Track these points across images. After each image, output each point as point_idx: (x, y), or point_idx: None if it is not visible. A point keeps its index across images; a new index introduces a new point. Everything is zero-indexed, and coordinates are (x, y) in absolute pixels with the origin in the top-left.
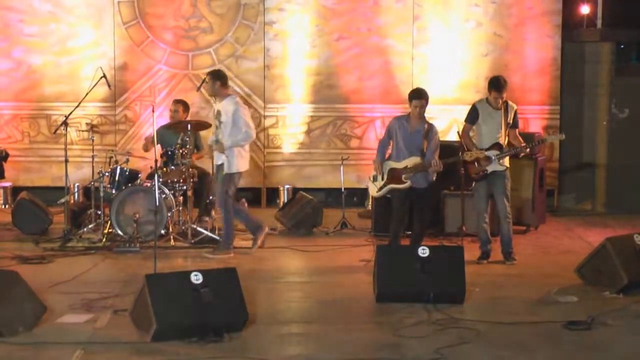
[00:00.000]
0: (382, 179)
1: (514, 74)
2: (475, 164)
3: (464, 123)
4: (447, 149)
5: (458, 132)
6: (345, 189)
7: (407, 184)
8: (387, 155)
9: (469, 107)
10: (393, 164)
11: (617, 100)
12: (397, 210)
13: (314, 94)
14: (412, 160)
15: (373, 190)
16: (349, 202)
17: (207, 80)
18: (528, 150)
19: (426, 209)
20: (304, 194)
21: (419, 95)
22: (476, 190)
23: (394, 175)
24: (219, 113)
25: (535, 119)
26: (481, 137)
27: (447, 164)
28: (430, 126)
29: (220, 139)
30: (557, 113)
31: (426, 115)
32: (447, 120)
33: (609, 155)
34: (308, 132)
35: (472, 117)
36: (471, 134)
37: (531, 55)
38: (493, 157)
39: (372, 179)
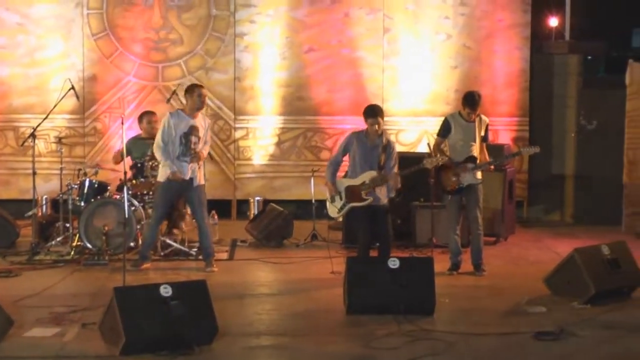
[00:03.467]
0: (341, 199)
1: (483, 86)
2: (452, 177)
3: (435, 137)
4: (417, 161)
5: (428, 144)
6: (315, 200)
7: (368, 200)
8: (338, 175)
9: (439, 119)
10: (349, 182)
11: (585, 112)
12: (361, 227)
13: (284, 106)
14: (369, 175)
15: (333, 212)
16: (320, 213)
17: (177, 92)
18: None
19: (388, 225)
20: (275, 205)
21: (372, 114)
22: (450, 203)
23: (352, 194)
24: (194, 129)
25: (505, 130)
26: (454, 151)
27: (409, 173)
28: (389, 141)
29: (200, 150)
30: (526, 124)
31: (396, 127)
32: (417, 132)
33: (578, 166)
34: (278, 144)
35: (445, 130)
36: (444, 148)
37: (500, 67)
38: (469, 169)
39: (330, 199)
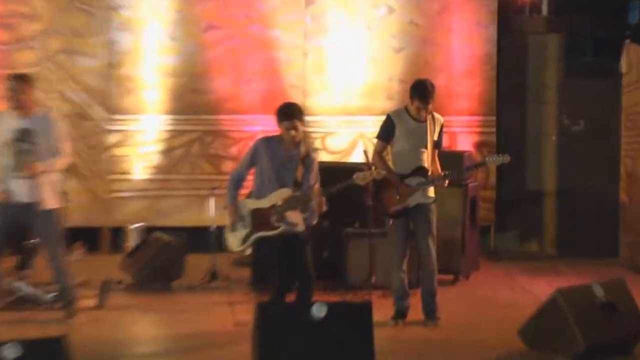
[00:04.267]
0: (245, 226)
1: (437, 75)
2: (396, 195)
3: (375, 140)
4: (349, 174)
5: (365, 152)
6: (216, 228)
7: (281, 228)
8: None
9: (379, 118)
10: (255, 204)
11: (569, 109)
12: (274, 262)
13: (174, 102)
14: (281, 195)
15: (235, 244)
16: (222, 245)
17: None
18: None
19: (309, 260)
20: (161, 234)
21: (288, 115)
22: (394, 229)
23: (260, 219)
24: (26, 132)
25: (465, 133)
26: (399, 159)
27: (337, 190)
28: (308, 151)
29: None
30: (493, 125)
31: (322, 130)
32: (350, 136)
33: (560, 180)
34: (166, 152)
35: (387, 132)
36: (386, 156)
37: (459, 51)
38: (418, 185)
39: (230, 227)
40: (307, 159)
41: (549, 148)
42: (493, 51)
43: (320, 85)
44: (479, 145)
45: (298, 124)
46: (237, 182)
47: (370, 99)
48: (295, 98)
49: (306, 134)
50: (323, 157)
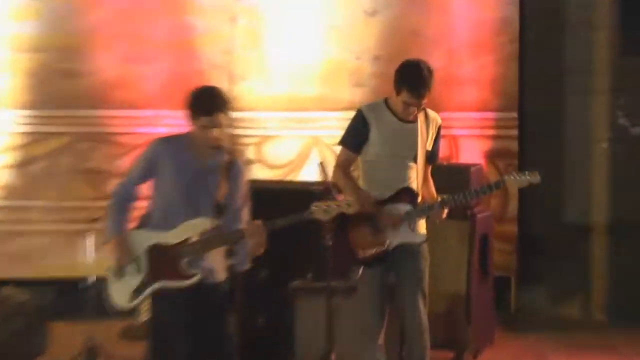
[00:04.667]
0: (139, 270)
1: (430, 51)
2: (370, 230)
3: (338, 149)
4: (300, 202)
5: (322, 165)
6: (95, 279)
7: (195, 277)
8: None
9: (345, 115)
10: (155, 237)
11: (628, 102)
12: (176, 332)
13: (33, 91)
14: (196, 226)
15: (122, 299)
16: (103, 304)
17: None
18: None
19: (230, 328)
20: (12, 290)
21: (208, 106)
22: (365, 282)
23: (161, 262)
24: None
25: (471, 137)
26: (374, 177)
27: (284, 225)
28: (235, 160)
29: None
30: (514, 126)
31: (258, 132)
32: (299, 142)
33: (615, 208)
34: (21, 166)
35: (356, 136)
36: (355, 172)
37: (462, 14)
38: (403, 216)
39: (114, 271)
40: (232, 172)
41: (597, 160)
42: (514, 15)
43: (255, 65)
44: (493, 156)
45: (222, 119)
46: (124, 202)
47: (329, 87)
48: (219, 84)
49: (232, 138)
50: (258, 172)
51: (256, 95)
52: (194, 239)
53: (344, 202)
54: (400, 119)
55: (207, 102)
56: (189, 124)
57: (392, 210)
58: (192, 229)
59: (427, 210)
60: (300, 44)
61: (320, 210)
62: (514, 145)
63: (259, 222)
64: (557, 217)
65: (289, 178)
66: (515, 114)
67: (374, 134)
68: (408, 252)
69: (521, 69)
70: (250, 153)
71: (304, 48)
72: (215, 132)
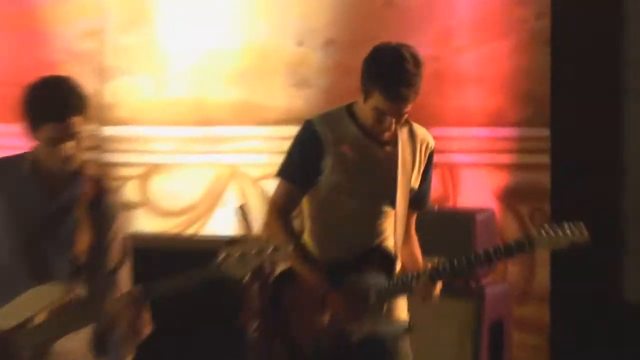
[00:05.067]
0: None
1: (413, 33)
2: (321, 312)
3: (272, 182)
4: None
5: (242, 209)
6: None
7: None
8: None
9: (279, 133)
10: None
11: None
12: None
13: None
14: (44, 298)
15: None
16: None
17: None
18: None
19: None
20: None
21: (60, 108)
22: None
23: None
24: None
25: (478, 167)
26: (330, 229)
27: (168, 292)
28: (101, 189)
29: None
30: (544, 150)
31: (142, 156)
32: (207, 173)
33: None
34: None
35: (304, 164)
36: (300, 220)
37: None
38: (373, 292)
39: None
40: (99, 209)
41: None
42: None
43: (139, 53)
44: (512, 196)
45: (78, 126)
46: None
47: (255, 88)
48: (82, 81)
49: (99, 162)
50: (143, 222)
51: (141, 101)
52: (39, 319)
53: (270, 248)
54: (371, 137)
55: (54, 101)
56: (27, 139)
57: (355, 284)
58: (35, 302)
59: (409, 284)
60: (210, 23)
61: (232, 262)
62: (544, 179)
63: (135, 289)
64: (611, 294)
65: (190, 231)
66: (546, 131)
67: (329, 161)
68: (378, 350)
69: (553, 67)
70: (130, 191)
71: (216, 29)
72: (69, 147)
